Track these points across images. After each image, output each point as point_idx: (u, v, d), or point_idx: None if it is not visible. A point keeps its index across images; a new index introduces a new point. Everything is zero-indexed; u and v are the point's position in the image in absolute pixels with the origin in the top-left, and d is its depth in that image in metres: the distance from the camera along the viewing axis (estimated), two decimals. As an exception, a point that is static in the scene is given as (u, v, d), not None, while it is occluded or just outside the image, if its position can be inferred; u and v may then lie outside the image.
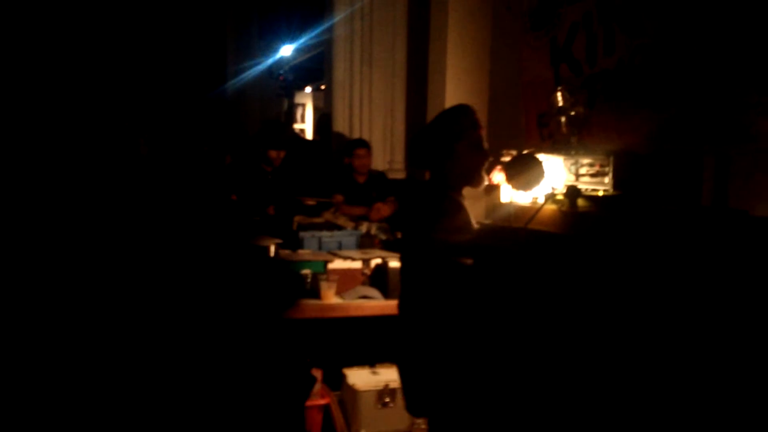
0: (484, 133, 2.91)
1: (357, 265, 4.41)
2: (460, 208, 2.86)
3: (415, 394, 2.92)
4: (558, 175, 2.90)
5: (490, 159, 2.93)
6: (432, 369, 2.82)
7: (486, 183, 2.96)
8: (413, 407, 2.96)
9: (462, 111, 2.93)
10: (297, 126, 11.23)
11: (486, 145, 2.90)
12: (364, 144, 5.86)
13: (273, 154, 5.88)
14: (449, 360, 2.80)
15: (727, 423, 2.11)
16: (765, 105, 2.87)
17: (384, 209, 5.42)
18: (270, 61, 9.96)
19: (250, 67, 10.26)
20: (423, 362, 2.85)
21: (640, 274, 2.27)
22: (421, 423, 4.01)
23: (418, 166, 3.05)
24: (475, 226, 2.96)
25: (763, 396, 2.09)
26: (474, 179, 2.91)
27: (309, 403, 4.09)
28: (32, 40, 7.63)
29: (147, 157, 6.67)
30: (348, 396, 4.44)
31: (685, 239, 2.30)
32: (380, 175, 6.03)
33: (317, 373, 4.23)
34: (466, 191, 2.95)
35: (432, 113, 5.39)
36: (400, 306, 3.00)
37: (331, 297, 4.26)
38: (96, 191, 5.33)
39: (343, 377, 4.49)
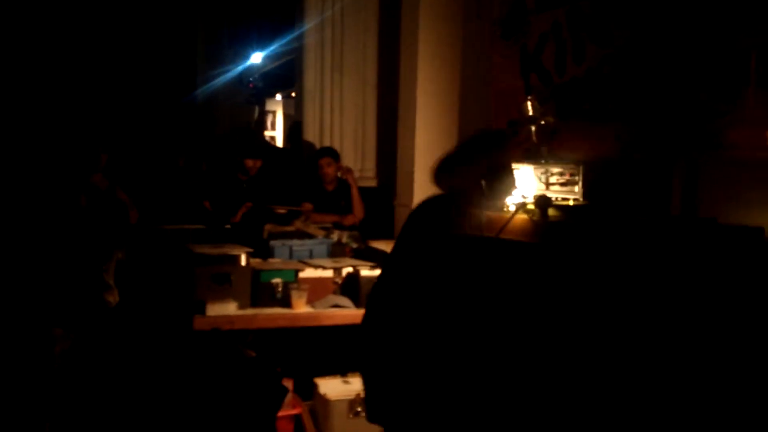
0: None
1: (328, 273, 4.39)
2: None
3: (380, 401, 2.90)
4: (528, 183, 2.91)
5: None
6: (400, 375, 2.81)
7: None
8: (375, 414, 2.96)
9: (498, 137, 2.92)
10: (267, 133, 11.19)
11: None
12: (328, 153, 5.85)
13: (249, 163, 5.87)
14: (423, 367, 2.80)
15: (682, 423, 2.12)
16: (733, 114, 2.90)
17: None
18: (240, 68, 9.92)
19: (220, 74, 10.22)
20: (392, 369, 2.83)
21: (611, 283, 2.28)
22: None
23: (447, 181, 2.87)
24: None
25: (729, 395, 2.10)
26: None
27: (280, 413, 4.05)
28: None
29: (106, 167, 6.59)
30: (319, 406, 4.41)
31: (655, 248, 2.32)
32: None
33: (288, 383, 4.20)
34: None
35: (403, 121, 5.39)
36: (373, 312, 2.98)
37: (302, 306, 4.23)
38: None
39: (315, 387, 4.46)
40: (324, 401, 4.32)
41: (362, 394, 3.04)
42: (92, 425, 3.75)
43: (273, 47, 8.96)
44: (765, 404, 2.06)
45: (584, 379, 2.30)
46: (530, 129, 3.13)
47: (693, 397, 2.13)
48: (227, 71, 10.09)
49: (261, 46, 9.37)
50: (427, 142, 5.06)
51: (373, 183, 6.38)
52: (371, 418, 2.98)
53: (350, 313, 4.12)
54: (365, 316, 3.02)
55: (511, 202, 2.88)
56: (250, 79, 9.94)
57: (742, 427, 2.07)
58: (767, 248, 2.40)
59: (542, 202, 2.66)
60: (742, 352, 2.15)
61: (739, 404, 2.09)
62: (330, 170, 5.73)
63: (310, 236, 5.00)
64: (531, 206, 2.72)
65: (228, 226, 5.51)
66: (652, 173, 3.12)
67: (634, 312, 2.21)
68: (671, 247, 2.30)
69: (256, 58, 9.52)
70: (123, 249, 5.53)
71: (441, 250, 2.92)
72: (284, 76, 9.76)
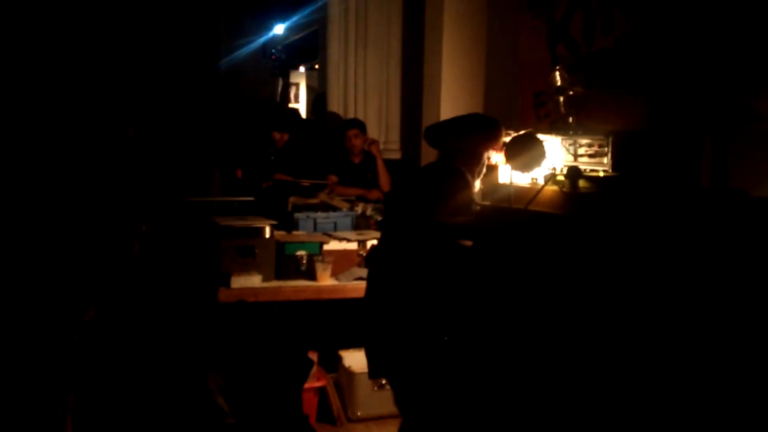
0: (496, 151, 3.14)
1: (353, 246, 4.39)
2: (467, 186, 3.01)
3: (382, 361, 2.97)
4: (556, 155, 2.88)
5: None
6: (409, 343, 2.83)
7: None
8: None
9: (497, 129, 3.14)
10: (291, 105, 11.17)
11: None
12: (356, 124, 5.80)
13: (277, 135, 5.86)
14: (435, 342, 2.81)
15: (726, 411, 2.10)
16: (764, 84, 2.84)
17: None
18: (263, 39, 9.88)
19: (243, 45, 10.19)
20: (401, 339, 2.86)
21: (641, 256, 2.25)
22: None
23: (437, 142, 3.14)
24: (476, 207, 2.97)
25: (761, 377, 2.08)
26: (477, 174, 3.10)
27: (305, 385, 4.07)
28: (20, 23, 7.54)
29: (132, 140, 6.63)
30: (344, 378, 4.43)
31: (685, 220, 2.28)
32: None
33: (313, 356, 4.21)
34: None
35: (428, 94, 5.35)
36: (377, 284, 3.01)
37: (326, 279, 4.24)
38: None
39: (339, 359, 4.48)
40: (349, 374, 4.33)
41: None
42: (115, 398, 3.78)
43: (295, 18, 8.91)
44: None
45: (619, 353, 2.28)
46: (558, 100, 3.08)
47: (721, 372, 2.11)
48: (250, 43, 10.05)
49: (283, 18, 9.31)
50: (452, 114, 4.99)
51: (397, 155, 6.35)
52: (372, 375, 3.06)
53: (375, 286, 4.12)
54: (370, 284, 3.04)
55: (539, 173, 2.86)
56: (273, 51, 9.90)
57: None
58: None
59: (573, 173, 2.62)
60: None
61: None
62: (358, 142, 5.69)
63: (335, 209, 4.99)
64: (561, 177, 2.69)
65: (253, 198, 5.51)
66: (681, 145, 3.06)
67: (665, 284, 2.18)
68: (702, 219, 2.27)
69: (279, 29, 9.47)
70: (148, 221, 5.56)
71: (463, 224, 2.92)
72: (308, 48, 9.70)
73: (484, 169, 3.14)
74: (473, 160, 3.06)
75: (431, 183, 3.03)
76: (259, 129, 6.09)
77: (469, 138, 3.08)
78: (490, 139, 3.09)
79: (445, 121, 3.28)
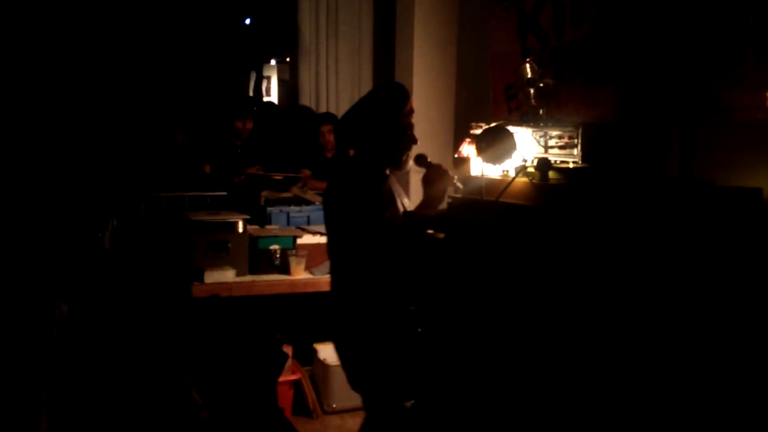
0: (414, 117, 3.02)
1: (326, 239, 4.39)
2: (382, 183, 2.96)
3: (361, 371, 2.93)
4: (527, 147, 2.90)
5: (416, 145, 3.03)
6: (380, 346, 2.83)
7: (410, 167, 3.07)
8: (358, 383, 2.98)
9: (396, 93, 3.01)
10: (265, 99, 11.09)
11: (414, 131, 3.01)
12: (330, 119, 5.79)
13: (239, 125, 5.81)
14: (405, 337, 2.82)
15: (697, 396, 2.14)
16: (731, 76, 2.88)
17: None
18: (232, 32, 9.80)
19: (212, 37, 10.08)
20: (370, 339, 2.85)
21: (610, 245, 2.28)
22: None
23: (346, 145, 3.08)
24: (401, 202, 3.01)
25: (731, 363, 2.12)
26: (399, 162, 3.01)
27: (280, 379, 4.09)
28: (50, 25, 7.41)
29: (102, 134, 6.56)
30: (319, 371, 4.44)
31: (652, 210, 2.32)
32: None
33: (288, 349, 4.22)
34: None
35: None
36: (341, 280, 2.99)
37: (300, 272, 4.25)
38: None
39: (314, 352, 4.49)
40: (324, 366, 4.35)
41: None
42: (90, 393, 3.76)
43: (266, 10, 8.86)
44: (759, 365, 2.08)
45: (590, 344, 2.31)
46: (528, 92, 3.10)
47: (686, 362, 2.15)
48: (219, 34, 9.96)
49: (253, 9, 9.25)
50: (424, 106, 5.03)
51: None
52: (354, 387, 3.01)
53: (349, 279, 4.13)
54: (335, 281, 3.03)
55: (510, 165, 2.88)
56: (242, 43, 9.83)
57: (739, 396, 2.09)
58: (765, 209, 2.40)
59: (543, 165, 2.65)
60: (738, 311, 2.16)
61: (734, 367, 2.11)
62: (332, 137, 5.68)
63: (308, 202, 5.00)
64: (531, 169, 2.72)
65: (226, 193, 5.49)
66: (650, 136, 3.11)
67: (635, 274, 2.22)
68: (670, 209, 2.31)
69: (247, 21, 9.43)
70: (118, 216, 5.52)
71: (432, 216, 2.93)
72: (279, 41, 9.64)
73: (406, 161, 3.01)
74: (389, 154, 2.98)
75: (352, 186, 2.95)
76: (221, 120, 6.02)
77: (366, 134, 2.97)
78: (386, 117, 2.94)
79: (347, 118, 3.10)
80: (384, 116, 2.94)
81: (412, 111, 3.01)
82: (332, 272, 3.06)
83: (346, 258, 2.94)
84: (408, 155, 3.02)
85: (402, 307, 2.87)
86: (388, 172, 3.04)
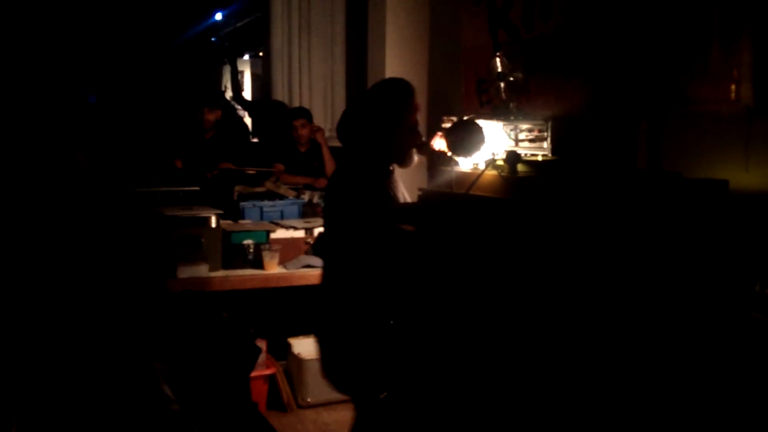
0: (420, 113, 2.95)
1: (300, 234, 4.41)
2: (386, 180, 2.91)
3: (340, 367, 2.91)
4: (498, 140, 2.92)
5: (422, 139, 2.97)
6: (363, 342, 2.82)
7: (415, 161, 3.00)
8: (337, 380, 2.96)
9: (403, 90, 2.94)
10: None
11: (420, 127, 2.95)
12: (302, 114, 5.78)
13: (207, 115, 5.78)
14: (384, 333, 2.82)
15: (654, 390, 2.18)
16: (696, 69, 2.92)
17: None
18: (205, 26, 9.77)
19: (184, 32, 10.04)
20: (352, 334, 2.84)
21: (578, 237, 2.31)
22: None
23: (350, 142, 3.00)
24: (402, 197, 3.01)
25: (693, 354, 2.16)
26: (404, 159, 2.95)
27: (254, 373, 4.08)
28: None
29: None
30: (294, 365, 4.45)
31: (621, 202, 2.35)
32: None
33: (261, 344, 4.22)
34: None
35: (373, 81, 5.35)
36: (329, 276, 2.98)
37: (274, 267, 4.25)
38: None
39: (289, 347, 4.50)
40: (298, 361, 4.36)
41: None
42: (58, 386, 3.74)
43: (236, 5, 8.82)
44: (726, 359, 2.12)
45: (560, 337, 2.34)
46: (499, 86, 3.12)
47: (658, 353, 2.18)
48: (191, 29, 9.92)
49: (225, 4, 9.21)
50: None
51: (342, 143, 6.35)
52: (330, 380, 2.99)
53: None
54: (327, 275, 3.01)
55: (480, 158, 2.90)
56: (213, 38, 9.80)
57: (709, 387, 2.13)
58: (731, 201, 2.44)
59: (512, 158, 2.67)
60: (706, 301, 2.20)
61: (703, 357, 2.15)
62: (304, 132, 5.68)
63: (281, 197, 4.99)
64: (500, 162, 2.74)
65: (197, 188, 5.47)
66: (618, 129, 3.14)
67: (604, 264, 2.25)
68: (638, 201, 2.34)
69: (219, 16, 9.39)
70: (88, 212, 5.48)
71: (406, 208, 2.94)
72: (251, 35, 9.61)
73: (411, 157, 2.96)
74: (394, 152, 2.92)
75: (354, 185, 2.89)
76: (187, 113, 5.99)
77: (372, 131, 2.89)
78: (393, 114, 2.87)
79: (351, 116, 3.05)
80: (391, 113, 2.86)
81: (418, 107, 2.94)
82: (326, 267, 3.02)
83: (345, 254, 2.90)
84: (413, 152, 2.95)
85: (393, 304, 2.85)
86: (392, 168, 2.98)
